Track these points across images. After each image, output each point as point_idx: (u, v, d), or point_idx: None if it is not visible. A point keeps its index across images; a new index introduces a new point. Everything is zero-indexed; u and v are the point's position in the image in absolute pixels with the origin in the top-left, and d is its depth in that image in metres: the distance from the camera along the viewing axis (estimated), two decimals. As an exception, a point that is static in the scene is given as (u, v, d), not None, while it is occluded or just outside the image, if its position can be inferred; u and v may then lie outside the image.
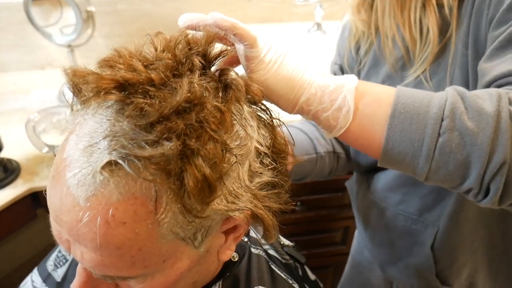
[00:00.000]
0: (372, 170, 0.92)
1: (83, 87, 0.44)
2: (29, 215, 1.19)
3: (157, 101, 0.40)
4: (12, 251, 1.35)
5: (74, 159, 0.41)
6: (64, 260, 0.75)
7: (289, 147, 0.55)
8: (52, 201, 0.43)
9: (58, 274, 0.74)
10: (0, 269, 1.36)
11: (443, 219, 0.79)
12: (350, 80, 0.55)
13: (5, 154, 1.18)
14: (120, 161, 0.39)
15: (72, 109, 0.47)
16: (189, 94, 0.41)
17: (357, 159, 0.94)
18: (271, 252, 0.71)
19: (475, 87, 0.64)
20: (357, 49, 0.88)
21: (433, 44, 0.71)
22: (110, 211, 0.40)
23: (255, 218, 0.49)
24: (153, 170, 0.39)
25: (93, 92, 0.41)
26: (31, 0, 1.36)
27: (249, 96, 0.50)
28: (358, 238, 1.16)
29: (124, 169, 0.39)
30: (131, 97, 0.41)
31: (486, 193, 0.51)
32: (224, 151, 0.43)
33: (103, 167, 0.39)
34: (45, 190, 0.45)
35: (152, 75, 0.42)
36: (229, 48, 0.52)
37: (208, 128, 0.41)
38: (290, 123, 0.97)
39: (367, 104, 0.54)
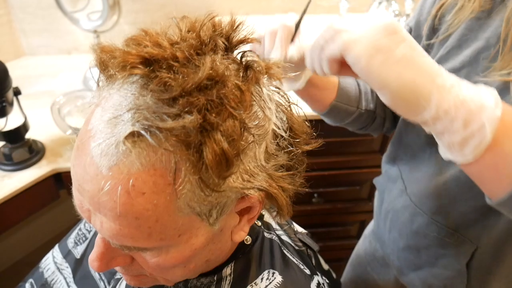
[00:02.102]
0: (409, 162, 0.86)
1: (110, 62, 0.45)
2: (52, 195, 1.23)
3: (180, 76, 0.42)
4: (34, 230, 1.39)
5: (98, 130, 0.43)
6: (84, 238, 0.78)
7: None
8: (76, 171, 0.45)
9: (78, 251, 0.77)
10: (23, 248, 1.40)
11: (484, 239, 0.73)
12: (494, 103, 0.46)
13: (31, 135, 1.22)
14: (142, 132, 0.40)
15: (98, 85, 0.48)
16: (211, 71, 0.43)
17: (402, 138, 0.88)
18: (284, 237, 0.72)
19: None
20: (441, 16, 0.74)
21: None
22: (131, 181, 0.41)
23: (269, 198, 0.51)
24: (174, 142, 0.40)
25: (119, 67, 0.43)
26: (59, -15, 1.39)
27: (269, 79, 0.51)
28: (372, 237, 1.12)
29: (145, 141, 0.41)
30: (156, 72, 0.42)
31: None
32: (242, 129, 0.44)
33: (126, 138, 0.41)
34: (69, 171, 0.47)
35: (177, 53, 0.43)
36: (253, 37, 0.53)
37: (228, 105, 0.43)
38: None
39: (509, 141, 0.46)
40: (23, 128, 1.16)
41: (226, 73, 0.45)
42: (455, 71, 0.69)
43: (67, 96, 1.30)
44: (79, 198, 0.46)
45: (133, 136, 0.41)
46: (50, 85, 1.53)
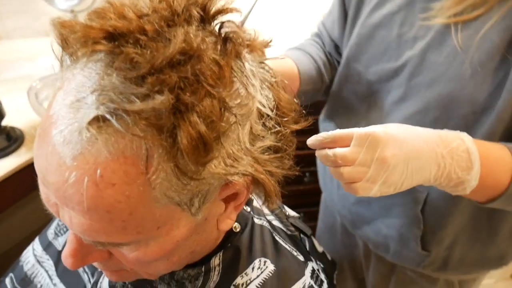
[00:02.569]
0: (347, 117, 0.90)
1: (71, 38, 0.40)
2: (33, 184, 1.15)
3: (148, 52, 0.37)
4: (17, 222, 1.35)
5: (60, 116, 0.38)
6: (65, 229, 0.74)
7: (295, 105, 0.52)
8: (38, 161, 0.41)
9: (59, 243, 0.73)
10: (6, 241, 1.36)
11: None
12: (470, 144, 0.57)
13: (9, 122, 1.16)
14: (107, 116, 0.36)
15: (62, 65, 0.43)
16: (184, 45, 0.38)
17: (340, 93, 0.90)
18: (275, 223, 0.68)
19: None
20: None
21: None
22: (98, 171, 0.37)
23: (256, 183, 0.47)
24: (144, 126, 0.36)
25: (80, 42, 0.38)
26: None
27: (251, 52, 0.47)
28: (326, 198, 1.11)
29: (113, 126, 0.37)
30: (121, 47, 0.37)
31: None
32: (222, 109, 0.40)
33: (89, 123, 0.37)
34: None
35: (145, 25, 0.39)
36: (233, 6, 0.47)
37: (205, 82, 0.38)
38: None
39: (490, 168, 0.59)
40: (-1, 114, 1.10)
41: (202, 47, 0.40)
42: (393, 14, 0.75)
43: (44, 81, 1.24)
44: (45, 191, 0.42)
45: (98, 121, 0.36)
46: (28, 69, 1.47)
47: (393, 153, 0.53)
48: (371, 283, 1.03)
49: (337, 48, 0.94)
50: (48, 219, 0.83)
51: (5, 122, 1.14)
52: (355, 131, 0.54)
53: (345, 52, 0.86)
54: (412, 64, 0.73)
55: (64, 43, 0.42)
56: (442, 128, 0.62)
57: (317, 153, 0.59)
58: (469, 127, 0.68)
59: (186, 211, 0.44)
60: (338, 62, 0.93)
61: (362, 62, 0.82)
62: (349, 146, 0.55)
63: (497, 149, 0.62)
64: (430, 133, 0.58)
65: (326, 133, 0.56)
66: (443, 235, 0.80)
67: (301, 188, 1.52)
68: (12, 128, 1.16)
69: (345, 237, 1.07)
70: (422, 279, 0.92)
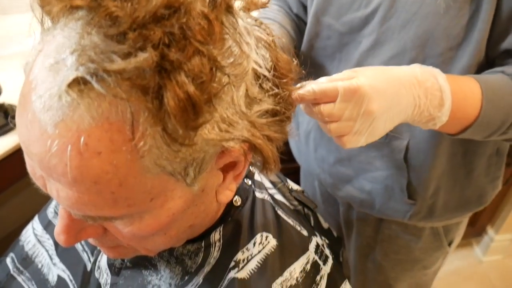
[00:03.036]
0: (320, 73, 0.88)
1: None
2: (34, 162, 1.17)
3: (129, 5, 0.34)
4: (18, 203, 1.34)
5: (40, 80, 0.36)
6: (64, 207, 0.72)
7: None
8: (20, 131, 0.39)
9: (59, 221, 0.71)
10: (8, 222, 1.36)
11: (417, 131, 0.78)
12: (443, 82, 0.59)
13: (6, 99, 1.14)
14: (88, 77, 0.33)
15: (42, 28, 0.41)
16: None
17: (311, 49, 0.88)
18: (278, 197, 0.66)
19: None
20: None
21: None
22: (82, 139, 0.35)
23: (253, 150, 0.44)
24: (127, 87, 0.34)
25: None
26: None
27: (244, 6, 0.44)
28: (303, 165, 1.10)
29: (95, 90, 0.34)
30: (100, 1, 0.34)
31: None
32: (214, 68, 0.37)
33: (69, 86, 0.34)
34: None
35: None
36: None
37: (192, 38, 0.35)
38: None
39: (460, 103, 0.61)
40: (-5, 92, 1.08)
41: None
42: None
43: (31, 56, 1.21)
44: (30, 163, 0.40)
45: (79, 83, 0.34)
46: (25, 44, 1.43)
47: (379, 105, 0.55)
48: (355, 252, 1.04)
49: (305, 8, 0.91)
50: (47, 199, 0.82)
51: (2, 99, 1.12)
52: (340, 86, 0.54)
53: (313, 8, 0.83)
54: (383, 9, 0.72)
55: (43, 1, 0.39)
56: None
57: (302, 108, 0.59)
58: (446, 63, 0.70)
59: (180, 181, 0.41)
60: (306, 24, 0.91)
61: (331, 14, 0.80)
62: (333, 101, 0.54)
63: (468, 83, 0.64)
64: (407, 75, 0.59)
65: (309, 88, 0.55)
66: (427, 181, 0.82)
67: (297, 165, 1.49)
68: (10, 106, 1.14)
69: (328, 206, 1.07)
70: (407, 232, 0.93)
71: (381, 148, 0.82)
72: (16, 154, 1.09)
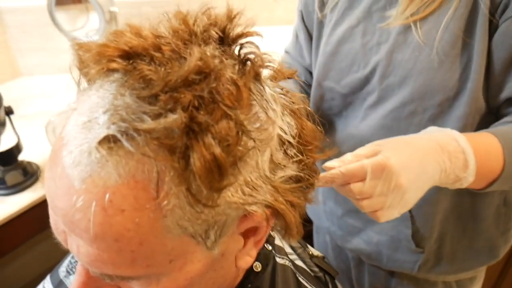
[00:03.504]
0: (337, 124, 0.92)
1: (86, 58, 0.39)
2: (48, 220, 1.16)
3: (162, 69, 0.36)
4: (30, 258, 1.33)
5: (72, 137, 0.37)
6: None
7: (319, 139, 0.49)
8: (48, 185, 0.39)
9: (70, 281, 0.69)
10: (19, 278, 1.34)
11: None
12: (464, 143, 0.60)
13: (26, 156, 1.16)
14: (118, 135, 0.34)
15: (79, 88, 0.42)
16: (200, 63, 0.36)
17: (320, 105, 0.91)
18: (299, 262, 0.65)
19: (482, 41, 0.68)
20: None
21: None
22: (107, 195, 0.35)
23: (276, 215, 0.44)
24: (155, 146, 0.34)
25: (94, 61, 0.37)
26: (53, 2, 1.35)
27: (272, 76, 0.45)
28: (314, 219, 1.09)
29: (124, 148, 0.35)
30: (135, 65, 0.36)
31: None
32: (240, 132, 0.37)
33: (99, 143, 0.35)
34: None
35: (161, 44, 0.38)
36: (254, 30, 0.46)
37: (221, 103, 0.36)
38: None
39: (483, 160, 0.61)
40: (16, 149, 1.11)
41: (218, 66, 0.38)
42: (353, 27, 0.80)
43: (62, 115, 1.24)
44: (54, 217, 0.40)
45: (109, 141, 0.35)
46: (47, 105, 1.49)
47: (407, 178, 0.56)
48: None
49: (312, 74, 0.96)
50: (64, 254, 0.81)
51: (22, 157, 1.14)
52: (367, 165, 0.55)
53: (315, 74, 0.88)
54: (381, 68, 0.76)
55: (81, 64, 0.41)
56: (419, 119, 0.73)
57: (335, 188, 0.60)
58: (445, 113, 0.73)
59: (201, 244, 0.41)
60: None
61: (332, 78, 0.84)
62: (363, 179, 0.56)
63: (486, 139, 0.65)
64: (429, 142, 0.60)
65: (337, 172, 0.57)
66: (432, 228, 0.82)
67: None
68: (29, 163, 1.16)
69: (339, 262, 1.05)
70: (419, 287, 0.91)
71: None
72: (31, 212, 1.10)
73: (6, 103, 1.06)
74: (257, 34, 0.44)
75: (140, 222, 0.36)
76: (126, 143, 0.34)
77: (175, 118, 0.34)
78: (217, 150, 0.35)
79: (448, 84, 0.70)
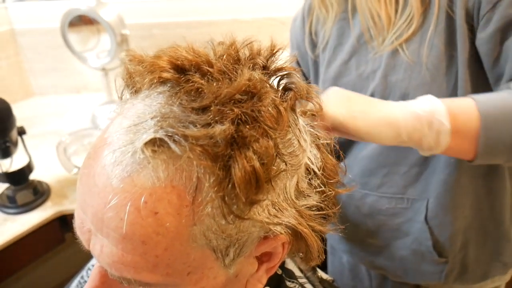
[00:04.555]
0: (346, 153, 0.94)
1: (137, 69, 0.42)
2: (57, 239, 1.18)
3: (214, 83, 0.38)
4: (39, 276, 1.33)
5: (115, 138, 0.38)
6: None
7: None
8: (82, 182, 0.40)
9: (80, 302, 0.70)
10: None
11: (432, 188, 0.80)
12: (438, 105, 0.62)
13: (37, 176, 1.18)
14: (165, 139, 0.36)
15: (121, 98, 0.44)
16: (248, 83, 0.39)
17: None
18: (308, 286, 0.65)
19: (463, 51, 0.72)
20: (315, 31, 0.92)
21: (416, 13, 0.73)
22: (143, 197, 0.36)
23: (297, 238, 0.44)
24: (199, 152, 0.36)
25: (148, 70, 0.40)
26: (67, 24, 1.38)
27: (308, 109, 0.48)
28: (332, 243, 1.09)
29: (167, 152, 0.36)
30: (189, 77, 0.38)
31: None
32: (275, 153, 0.39)
33: (145, 144, 0.36)
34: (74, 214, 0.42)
35: (213, 61, 0.40)
36: (292, 66, 0.48)
37: (263, 122, 0.38)
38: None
39: (460, 123, 0.62)
40: (28, 168, 1.12)
41: (263, 90, 0.40)
42: (346, 62, 0.84)
43: (73, 135, 1.27)
44: (81, 216, 0.41)
45: (154, 144, 0.36)
46: (58, 124, 1.51)
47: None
48: None
49: None
50: (71, 273, 0.81)
51: (33, 176, 1.15)
52: None
53: None
54: (378, 92, 0.79)
55: (128, 76, 0.43)
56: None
57: None
58: None
59: (219, 260, 0.42)
60: None
61: None
62: None
63: (459, 99, 0.66)
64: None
65: None
66: (453, 235, 0.82)
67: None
68: (40, 182, 1.18)
69: (357, 282, 1.04)
70: None
71: (405, 214, 0.84)
72: (41, 230, 1.11)
73: (18, 122, 1.08)
74: (295, 70, 0.46)
75: (170, 227, 0.37)
76: (173, 146, 0.36)
77: (223, 129, 0.35)
78: (257, 164, 0.36)
79: (443, 95, 0.72)
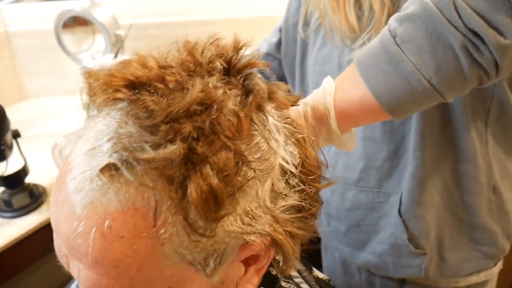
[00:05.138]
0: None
1: (94, 86, 0.41)
2: (53, 242, 1.16)
3: (165, 100, 0.37)
4: (37, 280, 1.32)
5: (76, 163, 0.38)
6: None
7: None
8: (52, 209, 0.40)
9: (76, 308, 0.69)
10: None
11: (404, 182, 0.81)
12: (328, 91, 0.61)
13: (32, 179, 1.17)
14: (118, 164, 0.35)
15: (88, 115, 0.44)
16: (201, 94, 0.37)
17: None
18: (304, 286, 0.64)
19: None
20: (310, 13, 0.91)
21: (378, 19, 0.73)
22: (107, 222, 0.36)
23: (275, 244, 0.43)
24: (154, 176, 0.35)
25: (101, 90, 0.39)
26: (61, 25, 1.38)
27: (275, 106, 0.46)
28: (323, 239, 1.10)
29: (125, 175, 0.36)
30: (138, 95, 0.37)
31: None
32: (240, 162, 0.38)
33: (101, 171, 0.36)
34: None
35: (166, 75, 0.39)
36: (260, 61, 0.46)
37: (221, 134, 0.37)
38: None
39: (344, 86, 0.62)
40: (23, 172, 1.12)
41: (220, 97, 0.39)
42: (333, 49, 0.84)
43: (68, 137, 1.26)
44: (57, 241, 0.41)
45: (110, 169, 0.36)
46: (53, 126, 1.50)
47: None
48: None
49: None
50: (69, 277, 0.81)
51: (28, 179, 1.14)
52: None
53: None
54: None
55: (90, 91, 0.42)
56: (391, 125, 0.78)
57: None
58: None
59: (200, 271, 0.41)
60: None
61: None
62: None
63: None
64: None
65: None
66: (426, 227, 0.82)
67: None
68: (35, 185, 1.17)
69: (349, 277, 1.05)
70: None
71: (382, 208, 0.86)
72: (37, 234, 1.10)
73: (14, 125, 1.08)
74: (263, 65, 0.45)
75: (138, 249, 0.37)
76: (125, 172, 0.35)
77: (173, 149, 0.35)
78: (214, 181, 0.35)
79: None
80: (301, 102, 0.60)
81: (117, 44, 1.38)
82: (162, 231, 0.36)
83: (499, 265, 0.91)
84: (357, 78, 0.60)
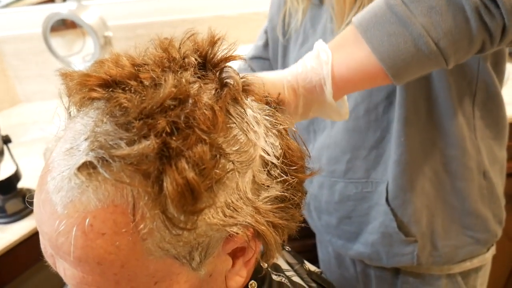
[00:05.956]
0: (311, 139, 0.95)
1: (70, 87, 0.41)
2: (49, 246, 1.16)
3: (137, 97, 0.37)
4: (33, 286, 1.31)
5: (56, 164, 0.39)
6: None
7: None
8: (35, 210, 0.41)
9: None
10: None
11: (390, 171, 0.81)
12: (322, 55, 0.58)
13: (25, 184, 1.16)
14: (95, 162, 0.36)
15: (69, 116, 0.45)
16: (174, 89, 0.37)
17: None
18: (296, 279, 0.64)
19: None
20: (288, 23, 0.93)
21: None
22: (88, 220, 0.36)
23: (258, 236, 0.44)
24: (130, 172, 0.35)
25: (76, 90, 0.39)
26: (49, 29, 1.37)
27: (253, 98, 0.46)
28: (316, 234, 1.10)
29: (102, 173, 0.36)
30: (112, 94, 0.38)
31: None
32: (217, 155, 0.38)
33: (79, 170, 0.36)
34: None
35: (140, 72, 0.39)
36: (236, 54, 0.47)
37: (196, 128, 0.37)
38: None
39: (342, 50, 0.58)
40: (15, 177, 1.11)
41: (194, 92, 0.39)
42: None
43: (55, 141, 1.25)
44: (43, 241, 0.42)
45: (87, 167, 0.36)
46: (46, 131, 1.49)
47: None
48: None
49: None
50: (62, 284, 0.80)
51: (21, 184, 1.14)
52: None
53: None
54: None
55: (68, 92, 0.42)
56: (375, 114, 0.78)
57: None
58: (394, 102, 0.77)
59: (186, 265, 0.41)
60: None
61: None
62: None
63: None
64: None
65: None
66: (416, 214, 0.82)
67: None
68: (29, 190, 1.16)
69: (343, 270, 1.06)
70: (425, 283, 0.91)
71: (371, 198, 0.86)
72: (32, 239, 1.09)
73: (5, 130, 1.08)
74: (239, 58, 0.45)
75: (120, 245, 0.37)
76: (101, 170, 0.35)
77: (147, 144, 0.35)
78: (190, 175, 0.35)
79: None
80: (289, 71, 0.59)
81: (106, 46, 1.37)
82: (142, 226, 0.37)
83: (492, 250, 0.91)
84: (358, 41, 0.56)
